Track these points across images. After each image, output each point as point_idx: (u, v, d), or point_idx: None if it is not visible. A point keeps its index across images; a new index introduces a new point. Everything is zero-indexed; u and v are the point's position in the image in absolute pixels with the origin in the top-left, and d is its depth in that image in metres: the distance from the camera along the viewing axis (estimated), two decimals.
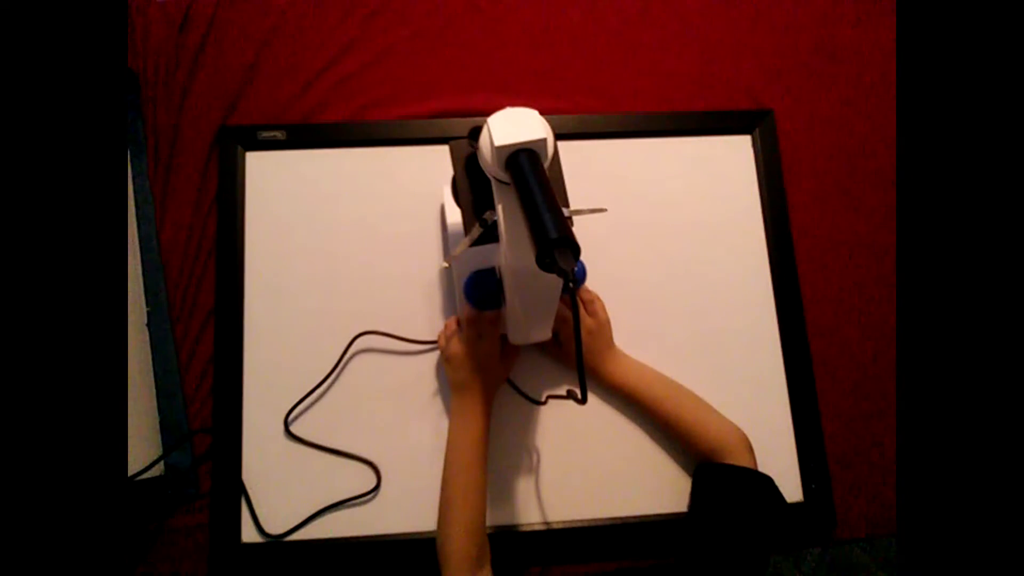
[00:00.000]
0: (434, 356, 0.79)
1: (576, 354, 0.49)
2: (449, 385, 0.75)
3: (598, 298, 0.77)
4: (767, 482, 0.69)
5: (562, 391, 0.78)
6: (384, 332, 0.79)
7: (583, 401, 0.50)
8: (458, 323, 0.75)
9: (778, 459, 0.72)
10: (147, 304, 0.79)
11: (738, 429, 0.73)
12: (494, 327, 0.71)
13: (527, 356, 0.79)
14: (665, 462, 0.78)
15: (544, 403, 0.77)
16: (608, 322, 0.77)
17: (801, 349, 0.82)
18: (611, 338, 0.78)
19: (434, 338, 0.79)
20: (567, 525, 0.75)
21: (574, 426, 0.78)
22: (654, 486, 0.77)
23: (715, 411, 0.75)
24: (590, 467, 0.77)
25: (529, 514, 0.76)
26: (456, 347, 0.72)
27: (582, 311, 0.76)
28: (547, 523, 0.75)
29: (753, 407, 0.79)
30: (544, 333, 0.71)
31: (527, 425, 0.78)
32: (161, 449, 0.75)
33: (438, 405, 0.78)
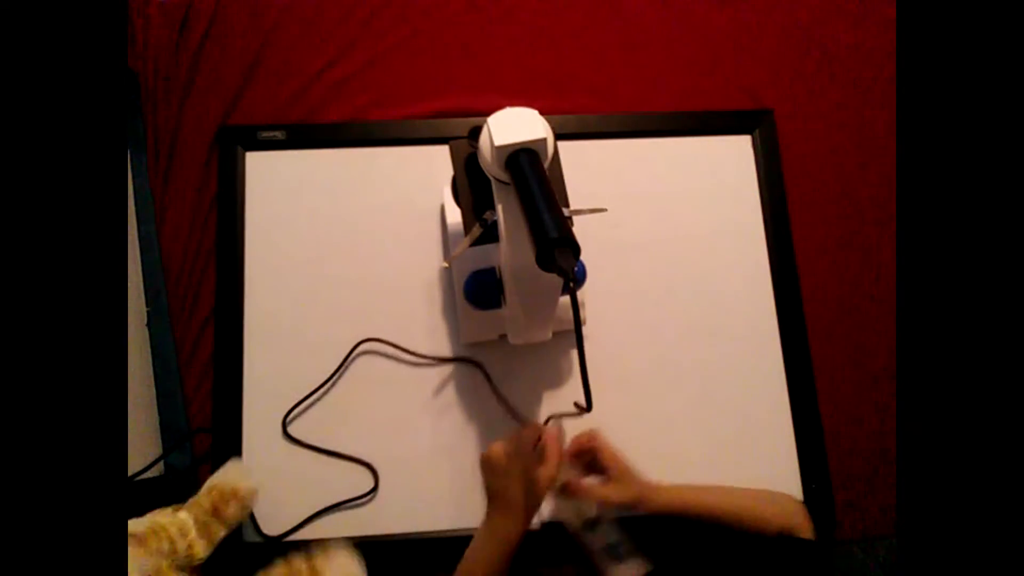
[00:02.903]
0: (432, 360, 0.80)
1: (580, 359, 0.47)
2: (486, 492, 0.66)
3: (605, 447, 0.68)
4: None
5: (560, 409, 0.77)
6: (388, 341, 0.79)
7: (589, 409, 0.50)
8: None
9: (778, 459, 0.72)
10: (147, 304, 0.79)
11: (793, 503, 0.67)
12: (558, 450, 0.65)
13: (524, 373, 0.79)
14: (664, 462, 0.78)
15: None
16: (625, 461, 0.68)
17: (801, 349, 0.82)
18: (637, 473, 0.68)
19: (434, 345, 0.79)
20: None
21: (574, 427, 0.78)
22: None
23: (764, 498, 0.68)
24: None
25: (540, 512, 0.75)
26: (500, 449, 0.64)
27: (606, 467, 0.67)
28: (546, 523, 0.75)
29: (753, 407, 0.79)
30: (544, 334, 0.71)
31: None
32: (161, 449, 0.75)
33: (435, 407, 0.78)
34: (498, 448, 0.65)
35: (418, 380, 0.79)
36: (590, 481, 0.67)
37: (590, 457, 0.68)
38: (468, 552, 0.63)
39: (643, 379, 0.78)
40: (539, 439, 0.65)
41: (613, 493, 0.65)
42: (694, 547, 0.70)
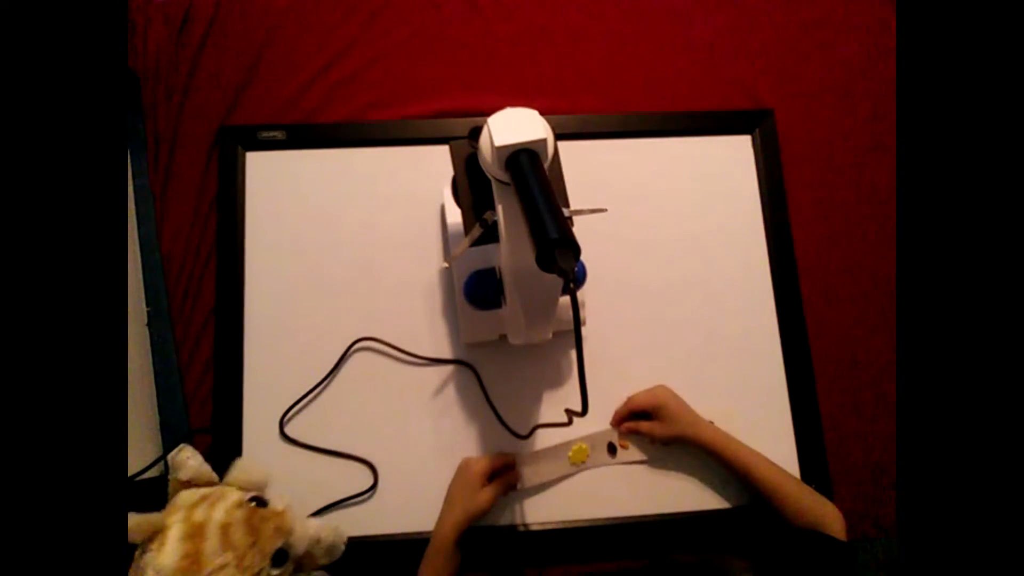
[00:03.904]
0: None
1: (578, 360, 0.47)
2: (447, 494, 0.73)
3: (639, 401, 0.77)
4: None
5: (558, 408, 0.77)
6: (383, 340, 0.79)
7: (584, 412, 0.49)
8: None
9: (778, 459, 0.72)
10: (147, 304, 0.79)
11: (832, 505, 0.69)
12: (500, 485, 0.72)
13: (523, 373, 0.79)
14: (663, 463, 0.78)
15: (528, 436, 0.76)
16: (669, 408, 0.76)
17: (801, 349, 0.82)
18: (688, 414, 0.76)
19: (434, 346, 0.79)
20: (565, 525, 0.75)
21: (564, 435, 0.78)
22: (653, 488, 0.77)
23: (808, 490, 0.71)
24: (589, 468, 0.77)
25: (528, 514, 0.76)
26: (481, 467, 0.72)
27: (657, 415, 0.76)
28: (545, 523, 0.75)
29: (753, 408, 0.79)
30: (544, 334, 0.71)
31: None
32: (161, 449, 0.75)
33: (435, 404, 0.78)
34: (466, 461, 0.73)
35: (416, 380, 0.79)
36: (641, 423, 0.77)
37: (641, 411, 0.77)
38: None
39: (643, 379, 0.78)
40: (502, 467, 0.74)
41: (657, 428, 0.76)
42: (732, 536, 0.76)
